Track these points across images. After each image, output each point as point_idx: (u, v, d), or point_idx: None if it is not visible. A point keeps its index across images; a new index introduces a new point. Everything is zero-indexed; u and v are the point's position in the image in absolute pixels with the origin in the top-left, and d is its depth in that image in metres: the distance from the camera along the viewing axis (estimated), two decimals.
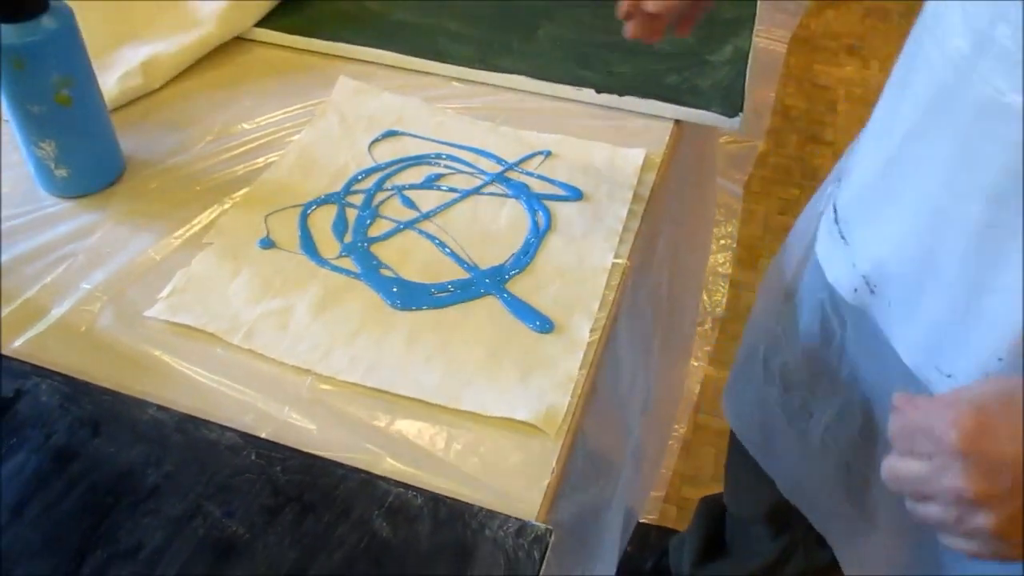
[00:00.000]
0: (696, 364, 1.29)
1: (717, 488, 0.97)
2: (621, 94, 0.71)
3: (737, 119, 0.70)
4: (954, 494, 0.39)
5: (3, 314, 0.54)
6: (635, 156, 0.66)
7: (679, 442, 1.23)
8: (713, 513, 1.01)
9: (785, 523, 0.86)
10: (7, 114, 0.57)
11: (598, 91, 0.71)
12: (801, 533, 0.84)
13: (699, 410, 1.26)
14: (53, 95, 0.56)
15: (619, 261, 0.58)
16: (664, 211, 0.75)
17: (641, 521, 1.15)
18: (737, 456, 0.81)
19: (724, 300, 1.43)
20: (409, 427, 0.48)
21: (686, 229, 0.96)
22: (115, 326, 0.53)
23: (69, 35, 0.55)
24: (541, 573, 0.41)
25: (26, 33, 0.53)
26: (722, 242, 1.50)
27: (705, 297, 1.41)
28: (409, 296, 0.55)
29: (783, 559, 0.90)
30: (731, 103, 0.71)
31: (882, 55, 2.24)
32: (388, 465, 0.46)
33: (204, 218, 0.60)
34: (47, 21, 0.54)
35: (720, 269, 1.44)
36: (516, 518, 0.43)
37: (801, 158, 1.94)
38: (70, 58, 0.56)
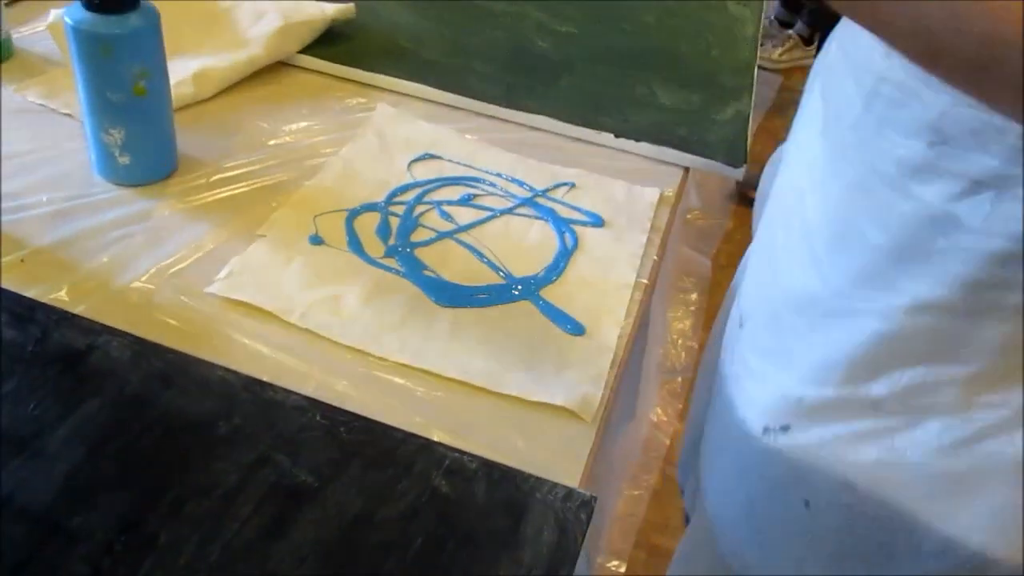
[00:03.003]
0: (666, 419, 1.34)
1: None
2: (637, 140, 0.78)
3: (740, 170, 0.77)
4: None
5: (65, 286, 0.56)
6: (651, 193, 0.72)
7: (649, 491, 1.26)
8: None
9: None
10: (82, 99, 0.61)
11: (616, 135, 0.78)
12: None
13: (669, 462, 1.30)
14: (132, 85, 0.59)
15: (641, 280, 0.64)
16: (669, 248, 0.81)
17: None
18: None
19: (692, 364, 1.49)
20: (456, 404, 0.52)
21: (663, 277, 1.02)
22: (174, 301, 0.56)
23: (153, 32, 0.60)
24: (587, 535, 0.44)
25: (116, 24, 0.58)
26: (692, 308, 1.57)
27: (675, 355, 1.47)
28: (451, 295, 0.59)
29: None
30: (735, 155, 0.78)
31: None
32: (437, 436, 0.50)
33: (256, 214, 0.64)
34: (135, 17, 0.58)
35: (690, 332, 1.51)
36: (563, 485, 0.46)
37: None
38: (151, 53, 0.60)
